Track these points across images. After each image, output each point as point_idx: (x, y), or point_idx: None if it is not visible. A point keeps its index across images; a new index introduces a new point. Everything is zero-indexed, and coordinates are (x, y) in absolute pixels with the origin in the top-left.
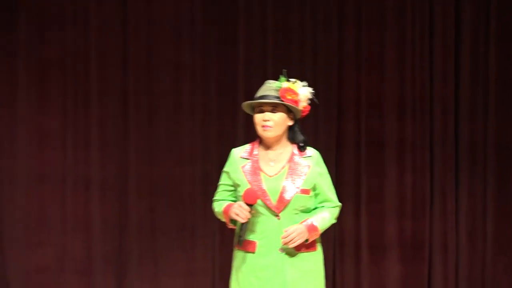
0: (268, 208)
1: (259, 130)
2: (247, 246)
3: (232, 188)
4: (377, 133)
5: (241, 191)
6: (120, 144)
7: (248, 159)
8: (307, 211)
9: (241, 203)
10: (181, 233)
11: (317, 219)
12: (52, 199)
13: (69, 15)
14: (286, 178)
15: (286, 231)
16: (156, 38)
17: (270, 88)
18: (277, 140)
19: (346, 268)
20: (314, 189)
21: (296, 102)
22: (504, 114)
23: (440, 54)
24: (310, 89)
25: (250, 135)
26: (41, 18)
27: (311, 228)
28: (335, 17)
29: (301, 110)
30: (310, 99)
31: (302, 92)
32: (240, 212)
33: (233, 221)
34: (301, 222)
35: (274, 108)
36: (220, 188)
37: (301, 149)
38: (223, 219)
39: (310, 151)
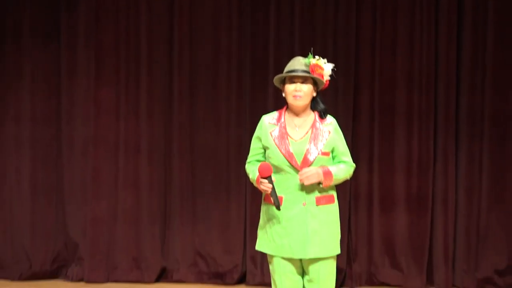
0: (294, 168)
1: (291, 99)
2: None
3: (262, 151)
4: (388, 104)
5: (270, 153)
6: (165, 112)
7: (276, 125)
8: None
9: (260, 179)
10: (217, 190)
11: (332, 168)
12: (105, 160)
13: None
14: (309, 142)
15: (303, 170)
16: (197, 19)
17: (301, 63)
18: (304, 108)
19: (360, 218)
20: (332, 151)
21: (322, 76)
22: (499, 89)
23: (444, 37)
24: (332, 65)
25: (278, 106)
26: (98, 0)
27: (326, 172)
28: (354, 4)
29: (324, 83)
30: (331, 74)
31: (326, 68)
32: (264, 187)
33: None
34: (319, 167)
35: (304, 80)
36: (252, 152)
37: (322, 116)
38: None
39: (330, 118)
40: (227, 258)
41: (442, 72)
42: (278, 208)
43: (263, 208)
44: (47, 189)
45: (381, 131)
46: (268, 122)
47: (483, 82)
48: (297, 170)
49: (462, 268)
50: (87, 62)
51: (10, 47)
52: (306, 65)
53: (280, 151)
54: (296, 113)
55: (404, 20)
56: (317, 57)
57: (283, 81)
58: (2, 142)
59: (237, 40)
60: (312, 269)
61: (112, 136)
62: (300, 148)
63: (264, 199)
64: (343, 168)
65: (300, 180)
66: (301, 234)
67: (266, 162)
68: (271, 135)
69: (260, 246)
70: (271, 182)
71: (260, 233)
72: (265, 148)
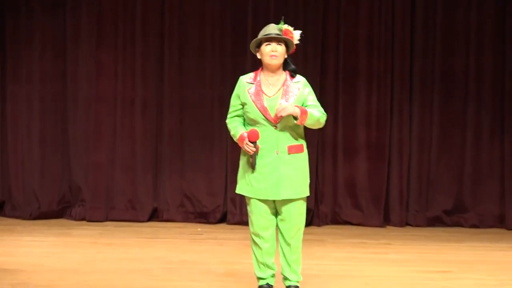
0: (268, 120)
1: (267, 59)
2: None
3: (241, 107)
4: (351, 66)
5: (248, 108)
6: (158, 73)
7: (252, 83)
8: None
9: (247, 141)
10: (202, 140)
11: (309, 108)
12: (105, 115)
13: None
14: (281, 97)
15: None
16: None
17: (275, 28)
18: (277, 68)
19: (326, 164)
20: (303, 105)
21: (293, 38)
22: (447, 52)
23: (400, 7)
24: (300, 32)
25: (254, 68)
26: None
27: (302, 109)
28: None
29: (294, 45)
30: (299, 39)
31: (296, 33)
32: (248, 148)
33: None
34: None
35: (278, 42)
36: (232, 108)
37: (293, 75)
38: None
39: (299, 77)
40: (210, 200)
41: (398, 37)
42: (253, 168)
43: (242, 157)
44: (54, 139)
45: (344, 89)
46: (246, 81)
47: (433, 46)
48: (271, 122)
49: (414, 208)
50: (89, 28)
51: (23, 15)
52: (279, 29)
53: (256, 106)
54: (270, 73)
55: None
56: (287, 25)
57: (259, 45)
58: (15, 98)
59: (219, 10)
60: (284, 209)
61: (111, 93)
62: (273, 103)
63: (251, 167)
64: (317, 112)
65: (278, 112)
66: (275, 179)
67: (255, 129)
68: (248, 92)
69: (239, 189)
70: (255, 146)
71: (239, 178)
72: (243, 104)
